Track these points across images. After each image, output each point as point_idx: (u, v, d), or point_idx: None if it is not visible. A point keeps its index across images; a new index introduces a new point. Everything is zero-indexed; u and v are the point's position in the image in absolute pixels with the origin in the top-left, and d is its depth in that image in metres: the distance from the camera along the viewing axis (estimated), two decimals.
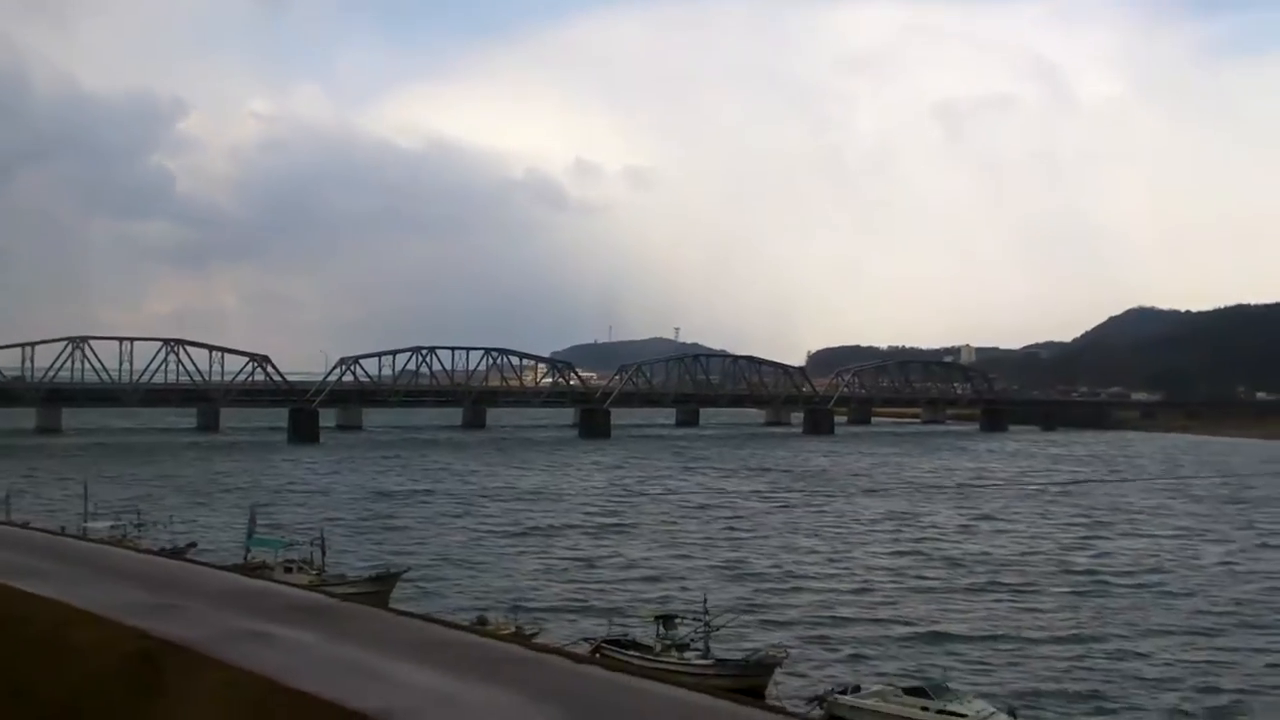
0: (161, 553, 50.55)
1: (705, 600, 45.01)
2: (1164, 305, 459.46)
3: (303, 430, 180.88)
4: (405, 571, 58.41)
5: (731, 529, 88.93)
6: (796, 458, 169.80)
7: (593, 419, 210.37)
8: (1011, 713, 36.88)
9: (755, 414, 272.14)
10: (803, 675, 42.86)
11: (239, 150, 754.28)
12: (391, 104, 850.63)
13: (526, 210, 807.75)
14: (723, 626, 43.60)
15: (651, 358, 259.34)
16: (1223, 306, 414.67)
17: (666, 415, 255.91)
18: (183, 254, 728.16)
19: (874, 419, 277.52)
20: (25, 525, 53.06)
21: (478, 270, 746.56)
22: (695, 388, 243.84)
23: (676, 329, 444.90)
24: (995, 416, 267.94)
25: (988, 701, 37.71)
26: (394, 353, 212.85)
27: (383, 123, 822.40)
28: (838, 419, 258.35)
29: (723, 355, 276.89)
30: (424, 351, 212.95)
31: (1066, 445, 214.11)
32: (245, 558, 56.70)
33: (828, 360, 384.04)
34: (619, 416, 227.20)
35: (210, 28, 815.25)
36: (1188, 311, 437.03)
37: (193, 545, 63.13)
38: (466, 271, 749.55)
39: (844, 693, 38.72)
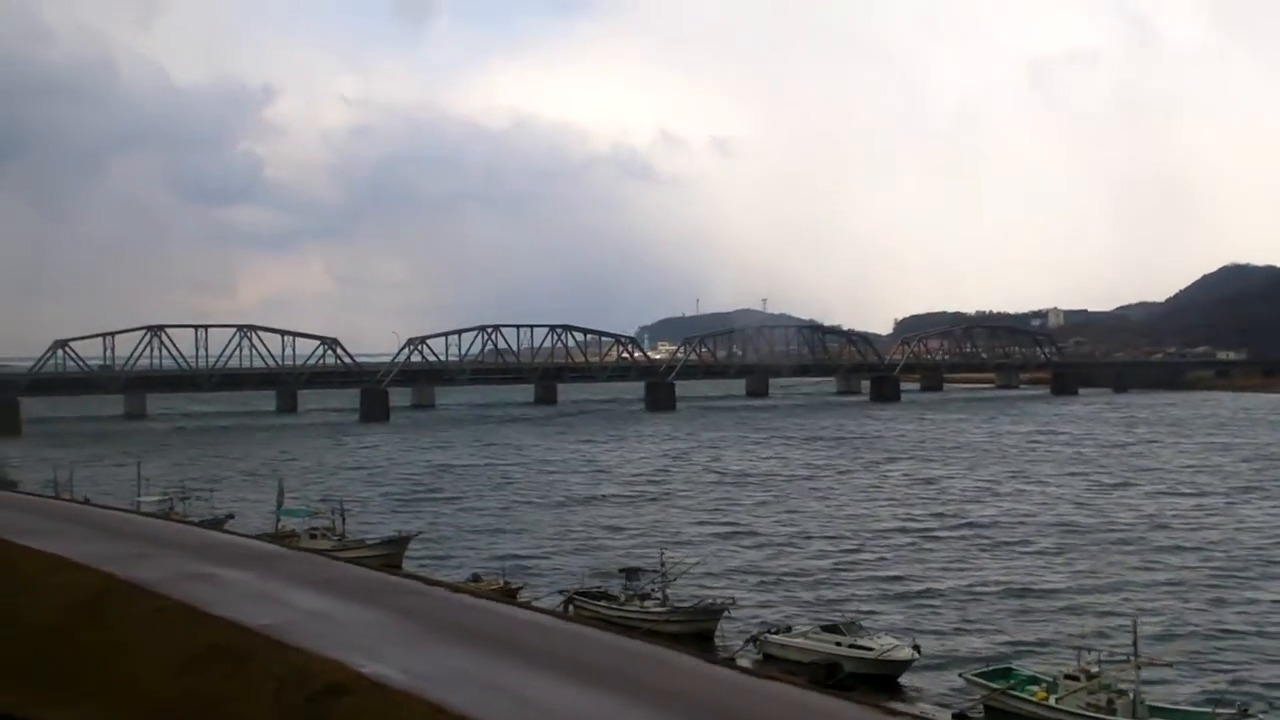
0: (201, 523, 56.75)
1: (662, 555, 50.05)
2: (1259, 261, 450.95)
3: (373, 410, 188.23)
4: (417, 535, 63.97)
5: (759, 495, 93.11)
6: (852, 425, 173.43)
7: (657, 392, 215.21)
8: (915, 647, 41.36)
9: (828, 383, 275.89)
10: (753, 619, 47.32)
11: (326, 134, 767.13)
12: (477, 80, 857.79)
13: (612, 184, 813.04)
14: (678, 577, 48.43)
15: (728, 329, 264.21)
16: None
17: (739, 386, 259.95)
18: (269, 239, 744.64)
19: (946, 385, 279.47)
20: (85, 500, 59.74)
21: (565, 246, 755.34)
22: (759, 358, 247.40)
23: (764, 300, 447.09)
24: (1065, 380, 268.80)
25: (894, 637, 42.24)
26: (460, 332, 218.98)
27: (468, 101, 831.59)
28: (911, 386, 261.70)
29: (786, 325, 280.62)
30: (490, 330, 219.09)
31: (1130, 408, 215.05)
32: (276, 526, 62.39)
33: (914, 326, 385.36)
34: (691, 389, 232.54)
35: (297, 9, 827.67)
36: None
37: (230, 517, 69.10)
38: (554, 248, 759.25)
39: (775, 632, 43.44)
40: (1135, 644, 35.52)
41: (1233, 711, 33.16)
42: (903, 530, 75.04)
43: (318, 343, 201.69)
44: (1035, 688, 37.04)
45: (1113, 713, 34.30)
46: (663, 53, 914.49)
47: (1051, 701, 35.87)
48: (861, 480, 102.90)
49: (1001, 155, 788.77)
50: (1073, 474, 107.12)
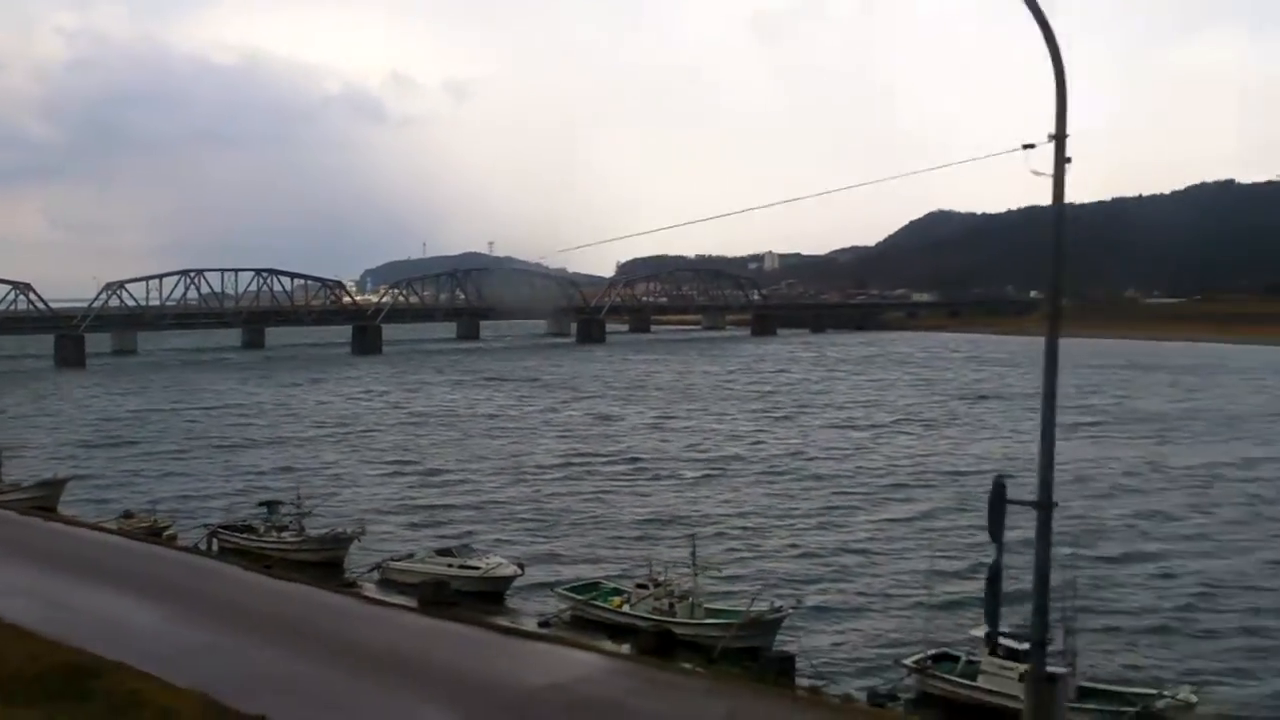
0: None
1: (298, 489, 53.57)
2: (962, 209, 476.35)
3: (68, 356, 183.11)
4: (71, 479, 65.31)
5: (442, 434, 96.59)
6: (552, 366, 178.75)
7: (364, 336, 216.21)
8: (520, 566, 45.97)
9: (540, 325, 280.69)
10: (389, 549, 51.05)
11: (40, 67, 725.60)
12: (205, 15, 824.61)
13: (345, 126, 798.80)
14: (311, 511, 51.91)
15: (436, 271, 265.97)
16: (1014, 209, 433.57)
17: (449, 329, 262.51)
18: None
19: (655, 327, 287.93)
20: None
21: (296, 188, 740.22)
22: (469, 300, 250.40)
23: (490, 243, 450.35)
24: (766, 322, 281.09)
25: (501, 557, 46.81)
26: (161, 276, 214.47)
27: (196, 37, 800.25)
28: (620, 328, 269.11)
29: (498, 268, 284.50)
30: (193, 274, 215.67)
31: (823, 348, 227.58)
32: None
33: (636, 270, 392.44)
34: (403, 332, 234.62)
35: None
36: (983, 214, 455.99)
37: None
38: (285, 189, 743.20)
39: (397, 560, 47.39)
40: (694, 556, 40.91)
41: (765, 608, 38.84)
42: (564, 465, 79.62)
43: (9, 287, 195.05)
44: (616, 598, 42.05)
45: (673, 614, 39.48)
46: None
47: (625, 609, 40.92)
48: (543, 419, 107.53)
49: (732, 105, 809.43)
50: (747, 410, 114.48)
